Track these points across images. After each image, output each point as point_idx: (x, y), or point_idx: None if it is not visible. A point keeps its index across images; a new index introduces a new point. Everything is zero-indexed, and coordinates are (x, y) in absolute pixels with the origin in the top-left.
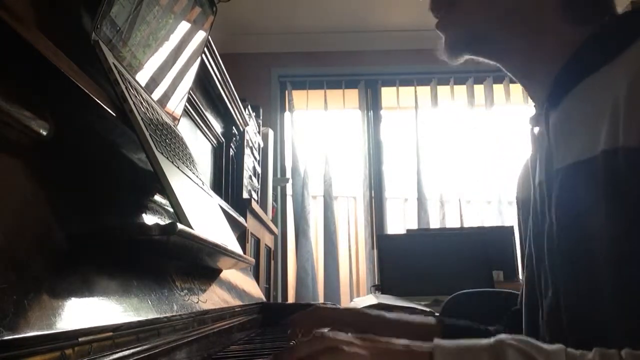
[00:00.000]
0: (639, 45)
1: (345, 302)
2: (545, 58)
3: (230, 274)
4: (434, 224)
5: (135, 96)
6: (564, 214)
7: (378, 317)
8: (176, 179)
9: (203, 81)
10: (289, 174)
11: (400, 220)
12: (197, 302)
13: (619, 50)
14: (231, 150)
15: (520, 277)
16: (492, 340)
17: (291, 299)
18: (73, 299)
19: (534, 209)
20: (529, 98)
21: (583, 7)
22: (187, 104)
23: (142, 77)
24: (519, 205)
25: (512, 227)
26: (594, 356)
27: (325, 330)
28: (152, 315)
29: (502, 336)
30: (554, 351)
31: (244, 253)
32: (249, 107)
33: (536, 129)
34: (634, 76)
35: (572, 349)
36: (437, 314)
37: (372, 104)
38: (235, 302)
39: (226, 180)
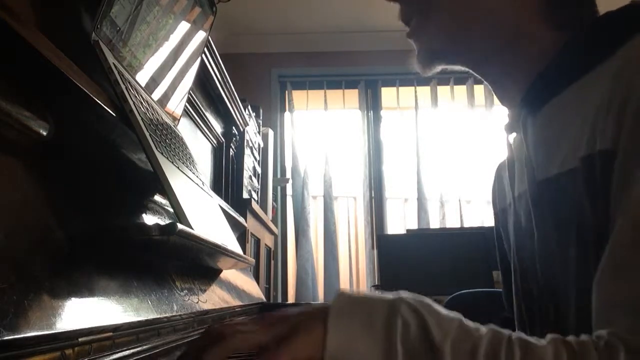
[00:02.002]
0: (624, 51)
1: None
2: (523, 63)
3: (230, 274)
4: (434, 224)
5: (135, 96)
6: (548, 230)
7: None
8: (176, 179)
9: (203, 81)
10: (289, 174)
11: (400, 220)
12: (197, 302)
13: (603, 57)
14: (231, 150)
15: (501, 285)
16: (391, 295)
17: (291, 299)
18: (73, 299)
19: (516, 223)
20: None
21: (563, 12)
22: (187, 104)
23: (142, 77)
24: (495, 212)
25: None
26: (487, 330)
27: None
28: (152, 315)
29: (403, 293)
30: (448, 317)
31: (244, 253)
32: (249, 107)
33: (511, 137)
34: (613, 82)
35: (469, 320)
36: None
37: (372, 104)
38: (235, 302)
39: (226, 180)
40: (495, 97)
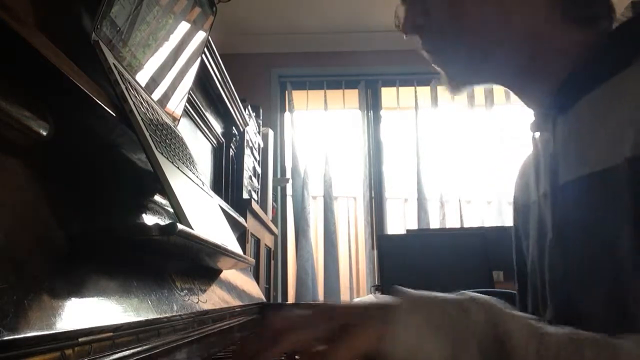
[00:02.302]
0: None
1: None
2: (548, 66)
3: (230, 274)
4: (434, 224)
5: (135, 96)
6: (574, 229)
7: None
8: (176, 179)
9: (203, 81)
10: (289, 174)
11: (400, 220)
12: (197, 303)
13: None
14: (231, 150)
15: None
16: (459, 296)
17: (291, 299)
18: (73, 299)
19: (539, 221)
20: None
21: (578, 10)
22: (187, 104)
23: (142, 77)
24: (517, 208)
25: (512, 227)
26: (562, 332)
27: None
28: (152, 315)
29: (472, 293)
30: (520, 318)
31: (244, 253)
32: (249, 107)
33: (537, 134)
34: None
35: (540, 322)
36: None
37: (372, 104)
38: (235, 302)
39: (226, 181)
40: (494, 96)
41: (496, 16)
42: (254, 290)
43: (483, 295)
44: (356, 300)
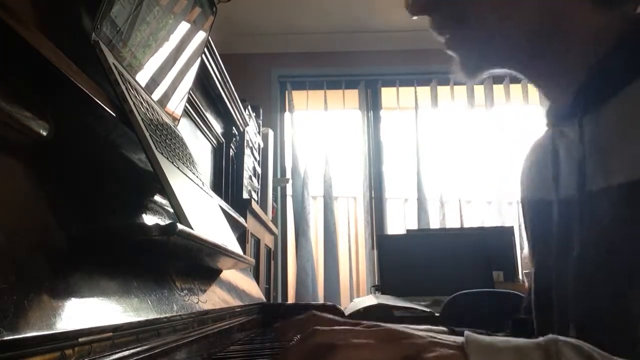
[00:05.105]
0: None
1: (345, 303)
2: (570, 51)
3: (230, 274)
4: (434, 224)
5: (135, 96)
6: (602, 243)
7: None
8: (176, 179)
9: (203, 81)
10: (289, 174)
11: (400, 221)
12: (197, 303)
13: None
14: (231, 150)
15: (526, 283)
16: (540, 339)
17: (291, 299)
18: (73, 299)
19: (558, 227)
20: (528, 97)
21: None
22: (187, 104)
23: (142, 77)
24: (526, 205)
25: (512, 228)
26: None
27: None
28: (152, 315)
29: (554, 336)
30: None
31: (244, 253)
32: (249, 107)
33: (557, 129)
34: None
35: None
36: (437, 314)
37: (372, 104)
38: (235, 302)
39: (226, 181)
40: (494, 97)
41: (512, 2)
42: (254, 290)
43: (568, 339)
44: (356, 300)
